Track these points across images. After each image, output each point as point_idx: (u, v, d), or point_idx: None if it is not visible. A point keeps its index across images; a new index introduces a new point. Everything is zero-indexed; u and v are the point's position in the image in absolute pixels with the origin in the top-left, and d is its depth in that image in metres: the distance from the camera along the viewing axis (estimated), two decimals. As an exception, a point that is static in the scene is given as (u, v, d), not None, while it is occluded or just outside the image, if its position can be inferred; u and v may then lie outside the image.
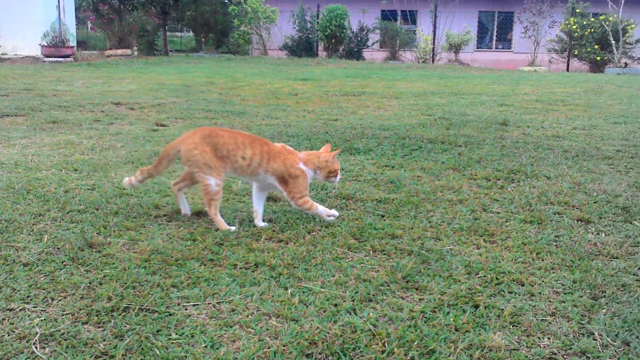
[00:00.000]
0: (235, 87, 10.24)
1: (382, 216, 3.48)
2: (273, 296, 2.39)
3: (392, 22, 21.89)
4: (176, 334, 2.10)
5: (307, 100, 8.73)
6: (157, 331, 2.11)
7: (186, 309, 2.27)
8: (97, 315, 2.20)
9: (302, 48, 20.64)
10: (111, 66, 14.60)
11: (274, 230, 3.18)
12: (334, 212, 3.36)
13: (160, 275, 2.56)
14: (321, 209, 3.30)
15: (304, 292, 2.44)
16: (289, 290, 2.45)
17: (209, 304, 2.32)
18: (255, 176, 3.25)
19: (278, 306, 2.31)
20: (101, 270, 2.59)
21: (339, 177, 3.39)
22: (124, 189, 3.77)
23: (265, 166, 3.21)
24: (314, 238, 3.08)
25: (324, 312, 2.27)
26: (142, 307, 2.26)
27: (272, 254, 2.83)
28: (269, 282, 2.52)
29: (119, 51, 18.61)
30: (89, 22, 25.55)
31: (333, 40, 19.91)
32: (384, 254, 2.90)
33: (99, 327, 2.13)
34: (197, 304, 2.31)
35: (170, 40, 27.52)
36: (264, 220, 3.30)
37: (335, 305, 2.34)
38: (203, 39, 23.72)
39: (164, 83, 10.48)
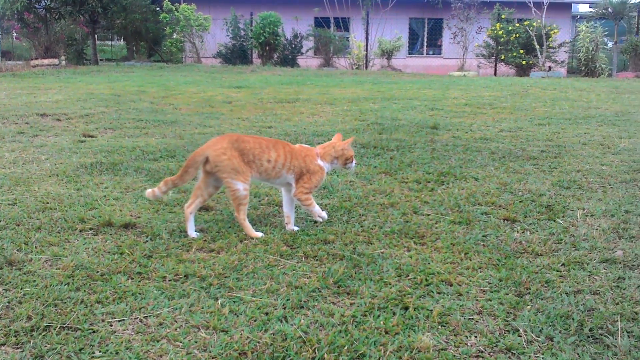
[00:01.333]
0: (167, 96, 10.07)
1: (315, 222, 3.48)
2: (203, 307, 2.35)
3: (325, 29, 22.04)
4: (100, 351, 2.03)
5: (241, 108, 8.68)
6: (80, 350, 2.03)
7: (111, 325, 2.20)
8: (15, 336, 2.10)
9: (236, 56, 20.50)
10: (37, 76, 14.09)
11: (205, 240, 3.13)
12: (325, 215, 3.47)
13: (85, 291, 2.47)
14: (316, 208, 3.42)
15: (234, 302, 2.41)
16: (219, 301, 2.41)
17: (135, 318, 2.26)
18: (278, 178, 3.35)
19: (208, 317, 2.27)
20: (21, 289, 2.48)
21: (354, 162, 3.52)
22: (47, 202, 3.64)
23: (289, 165, 3.32)
24: (246, 246, 3.05)
25: (255, 321, 2.25)
26: (64, 325, 2.18)
27: (202, 264, 2.79)
28: (199, 293, 2.47)
29: (46, 61, 17.99)
30: (13, 32, 24.60)
31: (267, 48, 19.88)
32: (316, 259, 2.90)
33: (18, 349, 2.04)
34: (123, 320, 2.24)
35: (100, 49, 26.82)
36: (195, 231, 3.25)
37: (267, 313, 2.32)
38: (134, 48, 23.25)
39: (92, 93, 10.20)
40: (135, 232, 3.22)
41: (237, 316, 2.29)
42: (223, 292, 2.50)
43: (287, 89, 11.68)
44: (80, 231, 3.23)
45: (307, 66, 20.26)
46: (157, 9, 21.82)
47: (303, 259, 2.91)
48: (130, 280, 2.60)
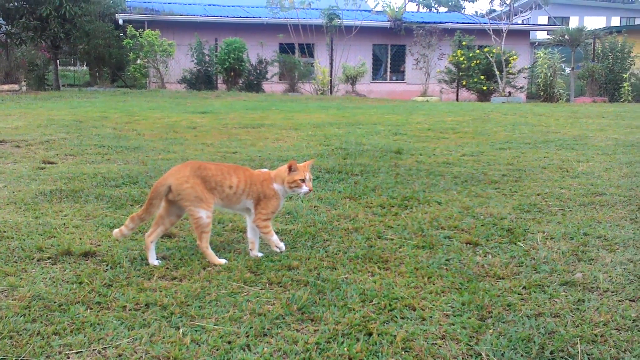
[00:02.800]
0: (131, 122, 9.96)
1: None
2: (164, 337, 2.31)
3: (290, 55, 22.21)
4: (56, 385, 1.97)
5: (206, 134, 8.63)
6: (35, 383, 1.97)
7: (68, 358, 2.14)
8: (-33, 371, 2.03)
9: (201, 81, 20.47)
10: (-4, 102, 13.82)
11: (167, 268, 3.09)
12: (282, 246, 3.38)
13: (41, 322, 2.40)
14: (274, 238, 3.35)
15: (196, 331, 2.37)
16: (181, 330, 2.37)
17: (93, 350, 2.20)
18: (238, 204, 3.31)
19: (169, 347, 2.22)
20: (-26, 322, 2.40)
21: (304, 188, 3.27)
22: (4, 231, 3.55)
23: (248, 191, 3.28)
24: (209, 274, 3.02)
25: (217, 350, 2.22)
26: (20, 358, 2.11)
27: (164, 292, 2.74)
28: (160, 323, 2.43)
29: (6, 86, 17.71)
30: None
31: (232, 73, 19.91)
32: (280, 286, 2.88)
33: (-31, 384, 1.97)
34: (81, 351, 2.19)
35: (62, 75, 26.47)
36: (157, 258, 3.20)
37: (229, 342, 2.28)
38: (97, 73, 22.99)
39: (54, 119, 10.03)
40: (95, 261, 3.16)
41: (199, 345, 2.25)
42: (185, 321, 2.46)
43: (252, 114, 11.69)
44: (38, 260, 3.16)
45: (272, 91, 20.34)
46: (121, 34, 21.70)
47: (267, 285, 2.88)
48: (89, 311, 2.54)
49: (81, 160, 6.28)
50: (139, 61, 20.46)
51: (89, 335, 2.30)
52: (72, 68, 31.29)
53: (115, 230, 3.27)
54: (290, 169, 3.28)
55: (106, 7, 21.88)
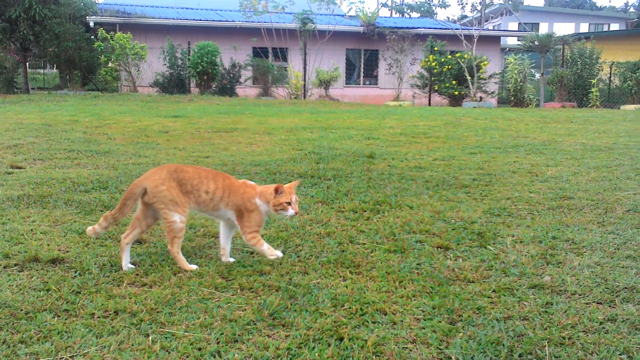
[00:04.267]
0: (101, 126, 9.84)
1: (251, 253, 3.46)
2: (133, 345, 2.28)
3: (264, 59, 22.16)
4: (22, 394, 1.93)
5: (178, 138, 8.57)
6: (0, 394, 1.93)
7: (35, 366, 2.11)
8: None
9: (173, 85, 20.30)
10: (-37, 105, 13.55)
11: (137, 274, 3.05)
12: (278, 253, 3.27)
13: (7, 330, 2.36)
14: (265, 247, 3.24)
15: (166, 338, 2.35)
16: (151, 337, 2.34)
17: (61, 358, 2.17)
18: (216, 211, 3.25)
19: (138, 355, 2.20)
20: (-63, 331, 2.34)
21: (290, 211, 3.20)
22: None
23: (227, 200, 3.21)
24: (180, 280, 2.99)
25: (187, 357, 2.20)
26: (-16, 368, 2.07)
27: (134, 299, 2.71)
28: (129, 330, 2.40)
29: (-27, 89, 17.34)
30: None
31: (205, 77, 19.78)
32: (252, 291, 2.87)
33: None
34: (48, 360, 2.15)
35: (32, 78, 26.08)
36: (131, 264, 3.16)
37: (200, 349, 2.27)
38: (68, 76, 22.66)
39: (22, 122, 9.86)
40: (63, 268, 3.11)
41: (169, 353, 2.23)
42: (155, 327, 2.43)
43: (225, 119, 11.64)
44: (4, 267, 3.10)
45: (245, 95, 20.26)
46: (92, 37, 21.44)
47: (238, 291, 2.87)
48: (56, 318, 2.50)
49: (50, 165, 6.19)
50: (110, 64, 20.22)
51: (56, 344, 2.26)
52: (41, 71, 30.84)
53: (89, 228, 3.24)
54: (277, 191, 3.20)
55: (77, 10, 21.57)
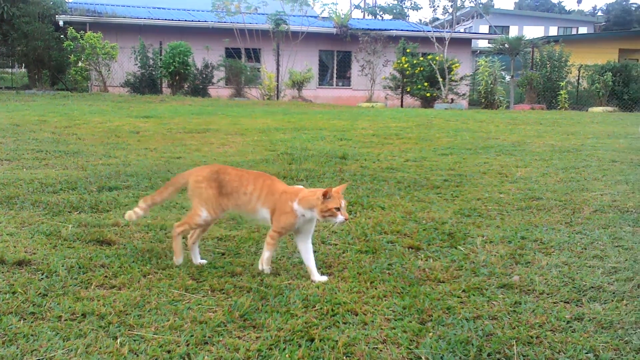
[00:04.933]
0: (71, 126, 9.69)
1: (223, 254, 3.44)
2: (100, 348, 2.25)
3: (237, 59, 22.06)
4: (-15, 400, 1.89)
5: (149, 138, 8.49)
6: (-38, 399, 1.89)
7: (-1, 371, 2.06)
8: None
9: (145, 85, 20.09)
10: None
11: (106, 276, 3.01)
12: (267, 269, 3.13)
13: (-29, 335, 2.31)
14: (267, 255, 3.12)
15: (135, 341, 2.32)
16: (119, 340, 2.31)
17: (26, 362, 2.13)
18: (254, 212, 3.17)
19: (105, 358, 2.17)
20: None
21: (340, 217, 2.95)
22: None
23: (263, 199, 3.13)
24: (149, 281, 2.96)
25: None
26: (-54, 374, 2.02)
27: (102, 301, 2.67)
28: (97, 333, 2.37)
29: (-63, 88, 16.94)
30: None
31: (177, 77, 19.62)
32: (223, 293, 2.85)
33: None
34: (13, 364, 2.11)
35: (-1, 77, 25.59)
36: (101, 265, 3.12)
37: (169, 351, 2.25)
38: (37, 76, 22.25)
39: (-12, 122, 9.67)
40: (29, 270, 3.05)
41: (137, 355, 2.20)
42: (123, 330, 2.40)
43: (197, 119, 11.56)
44: (-32, 270, 3.03)
45: (218, 96, 20.14)
46: (61, 36, 21.10)
47: (209, 292, 2.85)
48: (22, 321, 2.45)
49: (17, 165, 6.07)
50: (80, 64, 19.91)
51: (22, 347, 2.22)
52: (10, 70, 30.26)
53: (129, 212, 3.29)
54: (325, 195, 2.95)
55: (46, 9, 21.18)
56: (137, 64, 20.05)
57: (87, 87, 20.89)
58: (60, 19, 21.15)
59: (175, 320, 2.50)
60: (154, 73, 20.28)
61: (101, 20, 22.03)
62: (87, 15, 22.32)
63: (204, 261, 3.27)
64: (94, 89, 20.42)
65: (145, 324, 2.47)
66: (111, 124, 10.14)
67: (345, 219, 2.99)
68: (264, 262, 3.14)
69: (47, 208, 4.29)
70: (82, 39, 18.87)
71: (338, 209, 2.94)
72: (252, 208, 3.16)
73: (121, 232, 3.76)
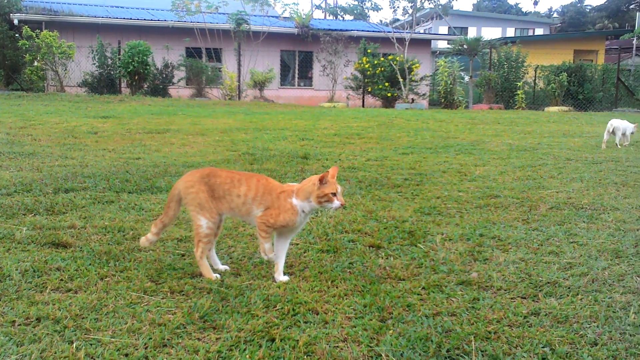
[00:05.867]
0: (26, 127, 9.46)
1: (183, 255, 3.40)
2: (55, 352, 2.19)
3: (197, 59, 21.87)
4: None
5: (107, 139, 8.34)
6: None
7: (-52, 379, 2.00)
8: None
9: (103, 85, 19.73)
10: None
11: (61, 279, 2.94)
12: (272, 256, 3.07)
13: None
14: (268, 245, 3.04)
15: (91, 345, 2.27)
16: (75, 344, 2.26)
17: (-23, 369, 2.07)
18: (249, 214, 3.06)
19: (61, 363, 2.12)
20: None
21: (336, 202, 2.91)
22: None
23: (260, 200, 3.02)
24: (107, 284, 2.90)
25: (114, 363, 2.13)
26: None
27: (57, 305, 2.61)
28: (52, 337, 2.31)
29: None
30: None
31: (136, 77, 19.32)
32: (183, 294, 2.82)
33: None
34: (-37, 372, 2.04)
35: (-50, 76, 24.76)
36: (56, 269, 3.04)
37: (126, 355, 2.21)
38: (-10, 75, 21.71)
39: (-61, 123, 9.37)
40: (-19, 274, 2.96)
41: (94, 359, 2.16)
42: (79, 334, 2.35)
43: (157, 120, 11.41)
44: None
45: (178, 96, 19.93)
46: (16, 35, 20.58)
47: (168, 294, 2.81)
48: (-27, 328, 2.37)
49: (-31, 167, 5.89)
50: (36, 63, 19.46)
51: (-27, 354, 2.16)
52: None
53: (142, 239, 3.23)
54: (321, 181, 2.91)
55: (0, 7, 20.68)
56: (95, 64, 19.69)
57: (43, 87, 20.42)
58: (15, 18, 20.64)
59: (133, 323, 2.46)
60: (112, 73, 19.94)
61: (57, 19, 21.56)
62: (43, 14, 21.81)
63: (226, 267, 3.18)
64: (50, 89, 19.97)
65: (102, 327, 2.42)
66: (68, 125, 9.94)
67: (342, 204, 2.95)
68: (266, 252, 3.05)
69: (0, 210, 4.18)
70: (38, 38, 18.44)
71: (334, 194, 2.92)
72: (247, 210, 3.07)
73: (77, 234, 3.69)
